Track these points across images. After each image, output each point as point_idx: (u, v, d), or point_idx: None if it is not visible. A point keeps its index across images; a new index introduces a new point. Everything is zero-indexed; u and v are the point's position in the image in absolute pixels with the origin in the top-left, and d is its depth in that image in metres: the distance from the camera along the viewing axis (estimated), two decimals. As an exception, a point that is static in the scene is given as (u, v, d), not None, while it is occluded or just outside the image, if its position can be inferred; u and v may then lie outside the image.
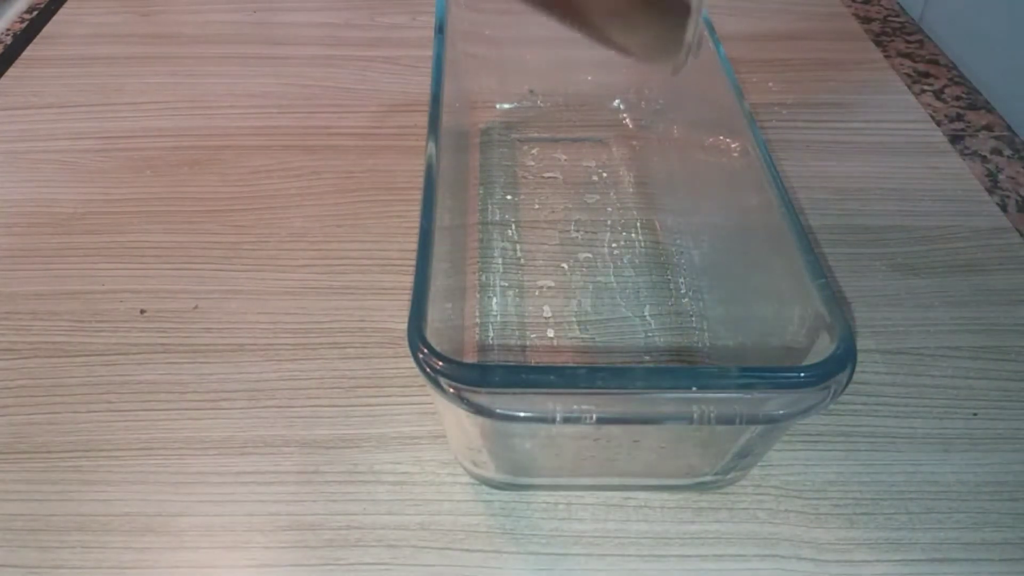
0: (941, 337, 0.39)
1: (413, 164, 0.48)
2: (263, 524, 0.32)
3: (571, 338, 0.39)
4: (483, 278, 0.41)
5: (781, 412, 0.25)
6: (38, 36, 0.60)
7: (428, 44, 0.39)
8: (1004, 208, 0.46)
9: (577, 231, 0.44)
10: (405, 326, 0.25)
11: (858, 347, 0.26)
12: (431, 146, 0.33)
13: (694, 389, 0.24)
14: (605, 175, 0.48)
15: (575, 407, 0.24)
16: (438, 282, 0.29)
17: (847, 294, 0.41)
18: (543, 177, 0.48)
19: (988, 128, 0.53)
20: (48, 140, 0.50)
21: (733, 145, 0.36)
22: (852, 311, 0.40)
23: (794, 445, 0.34)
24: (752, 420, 0.25)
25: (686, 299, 0.40)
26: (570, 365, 0.36)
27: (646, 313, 0.40)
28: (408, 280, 0.28)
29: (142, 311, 0.40)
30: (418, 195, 0.30)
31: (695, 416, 0.25)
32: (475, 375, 0.24)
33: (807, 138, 0.51)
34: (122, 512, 0.32)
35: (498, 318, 0.39)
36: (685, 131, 0.45)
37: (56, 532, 0.31)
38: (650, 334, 0.39)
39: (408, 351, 0.25)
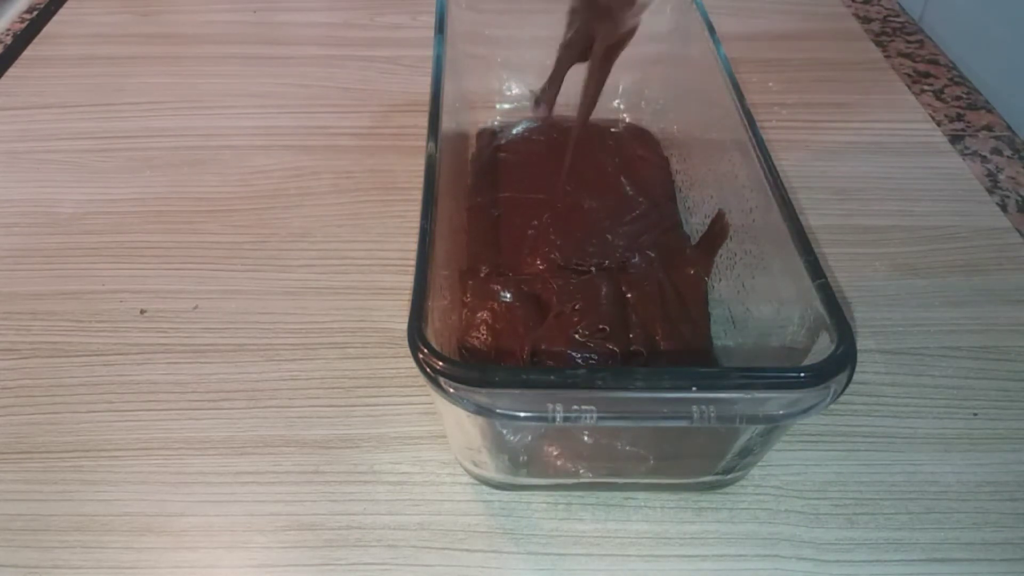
0: (941, 337, 0.39)
1: (413, 164, 0.48)
2: (263, 524, 0.32)
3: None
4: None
5: (781, 412, 0.25)
6: (38, 36, 0.60)
7: (428, 44, 0.39)
8: (1004, 208, 0.46)
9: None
10: (405, 326, 0.25)
11: (858, 347, 0.26)
12: (431, 146, 0.33)
13: (694, 389, 0.24)
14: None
15: (575, 407, 0.24)
16: (438, 282, 0.29)
17: (847, 294, 0.41)
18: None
19: (988, 128, 0.53)
20: (48, 140, 0.50)
21: (733, 145, 0.36)
22: (852, 311, 0.40)
23: (794, 445, 0.34)
24: (752, 420, 0.25)
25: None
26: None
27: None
28: (408, 280, 0.28)
29: (142, 311, 0.40)
30: (418, 195, 0.30)
31: (695, 416, 0.24)
32: (475, 375, 0.24)
33: (807, 138, 0.51)
34: (122, 512, 0.32)
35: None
36: (685, 131, 0.45)
37: (56, 532, 0.31)
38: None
39: (408, 351, 0.25)
